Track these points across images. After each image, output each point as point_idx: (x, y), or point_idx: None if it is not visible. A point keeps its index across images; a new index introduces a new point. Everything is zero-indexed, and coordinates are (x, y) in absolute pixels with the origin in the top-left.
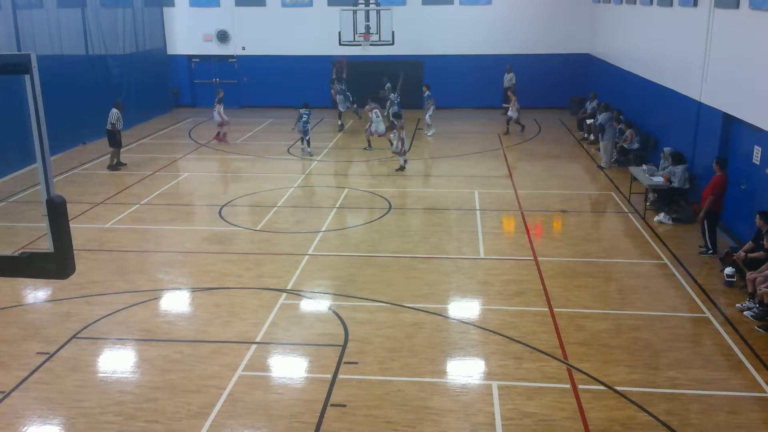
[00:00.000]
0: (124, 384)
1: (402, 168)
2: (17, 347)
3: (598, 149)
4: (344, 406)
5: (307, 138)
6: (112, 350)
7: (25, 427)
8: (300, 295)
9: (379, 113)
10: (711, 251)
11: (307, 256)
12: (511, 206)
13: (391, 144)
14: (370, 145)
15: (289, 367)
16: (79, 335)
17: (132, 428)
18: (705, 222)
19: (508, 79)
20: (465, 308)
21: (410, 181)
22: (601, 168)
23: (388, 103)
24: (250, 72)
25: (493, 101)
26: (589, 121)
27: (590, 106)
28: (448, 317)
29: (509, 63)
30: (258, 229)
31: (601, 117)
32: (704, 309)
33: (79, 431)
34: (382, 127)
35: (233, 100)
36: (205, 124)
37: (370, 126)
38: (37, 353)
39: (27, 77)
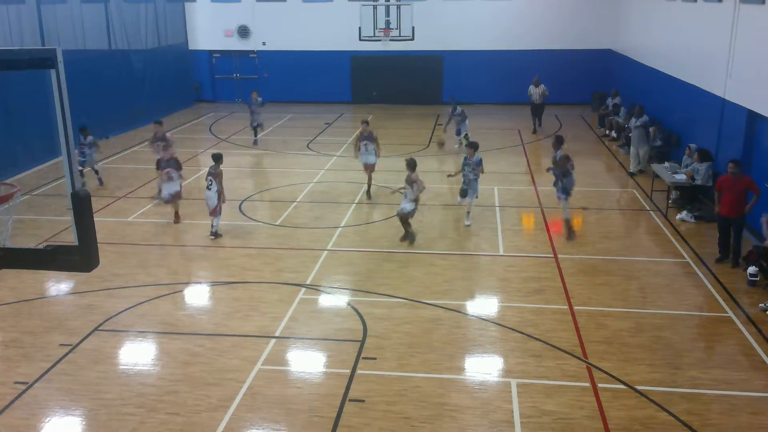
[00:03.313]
0: (145, 376)
1: (215, 234)
2: (40, 339)
3: (621, 147)
4: (363, 401)
5: (95, 168)
6: (133, 343)
7: (48, 418)
8: (319, 290)
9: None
10: (739, 259)
11: (326, 252)
12: (531, 203)
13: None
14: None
15: (308, 362)
16: (101, 327)
17: (153, 420)
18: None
19: (539, 93)
20: (484, 305)
21: (429, 177)
22: (633, 173)
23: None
24: (271, 67)
25: (513, 97)
26: (612, 118)
27: (611, 102)
28: (466, 314)
29: (536, 73)
30: (277, 224)
31: (642, 120)
32: (726, 308)
33: (101, 422)
34: (372, 158)
35: None
36: (226, 119)
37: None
38: (60, 345)
39: (53, 72)
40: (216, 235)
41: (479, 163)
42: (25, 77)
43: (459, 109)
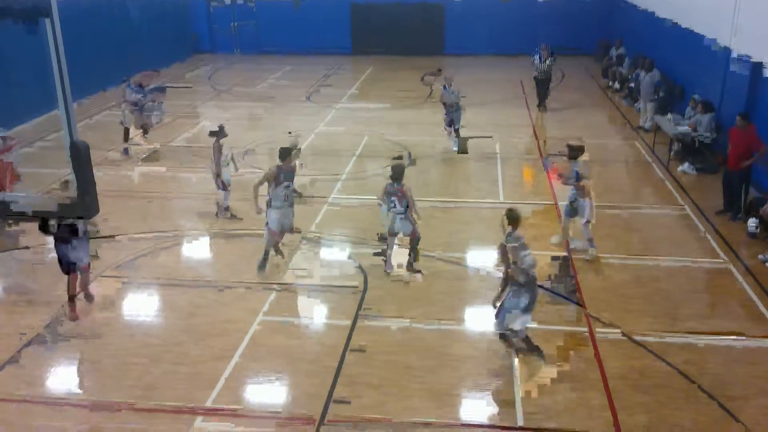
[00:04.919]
0: (149, 327)
1: (225, 210)
2: (44, 288)
3: (624, 98)
4: (364, 351)
5: None
6: (136, 294)
7: (53, 367)
8: (320, 242)
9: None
10: (739, 215)
11: (327, 203)
12: (533, 154)
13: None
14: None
15: (309, 313)
16: (103, 275)
17: (157, 369)
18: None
19: (547, 65)
20: (484, 256)
21: (430, 129)
22: (648, 129)
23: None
24: (268, 17)
25: (517, 47)
26: (616, 69)
27: (615, 53)
28: (467, 266)
29: (543, 42)
30: None
31: (653, 77)
32: (726, 259)
33: (106, 371)
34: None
35: (252, 46)
36: (224, 70)
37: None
38: (63, 292)
39: (47, 21)
40: (225, 211)
41: (575, 176)
42: (20, 27)
43: (455, 91)
